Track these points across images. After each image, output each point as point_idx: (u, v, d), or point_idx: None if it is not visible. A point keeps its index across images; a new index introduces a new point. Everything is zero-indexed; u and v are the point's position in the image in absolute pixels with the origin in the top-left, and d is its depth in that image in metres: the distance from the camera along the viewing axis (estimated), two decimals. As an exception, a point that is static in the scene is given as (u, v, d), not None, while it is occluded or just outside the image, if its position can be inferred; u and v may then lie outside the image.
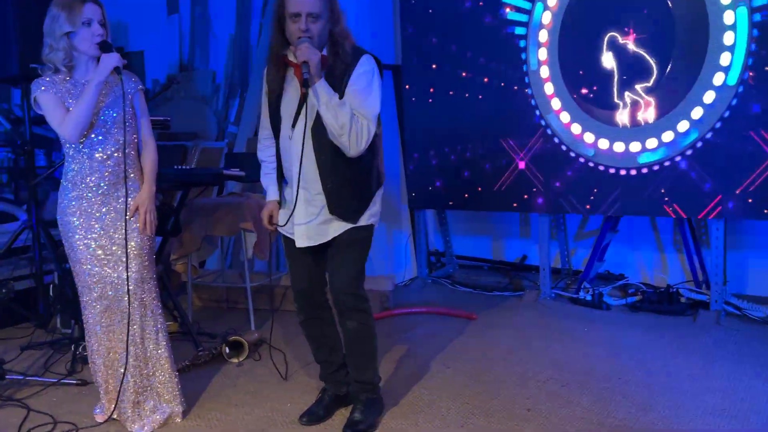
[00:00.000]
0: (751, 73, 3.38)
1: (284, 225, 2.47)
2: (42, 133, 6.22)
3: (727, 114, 3.46)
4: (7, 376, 2.89)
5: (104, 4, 2.45)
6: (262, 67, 5.14)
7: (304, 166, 2.31)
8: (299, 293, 2.55)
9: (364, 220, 2.43)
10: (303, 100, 2.31)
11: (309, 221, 2.40)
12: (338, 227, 2.41)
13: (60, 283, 3.54)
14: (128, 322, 2.45)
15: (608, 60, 3.74)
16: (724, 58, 3.44)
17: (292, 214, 2.41)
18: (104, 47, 2.37)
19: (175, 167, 3.26)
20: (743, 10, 3.35)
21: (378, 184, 2.47)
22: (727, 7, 3.40)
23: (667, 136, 3.63)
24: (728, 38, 3.42)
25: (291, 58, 2.32)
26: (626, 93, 3.72)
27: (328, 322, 2.60)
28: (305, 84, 2.21)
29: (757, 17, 3.34)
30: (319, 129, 2.29)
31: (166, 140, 5.29)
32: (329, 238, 2.42)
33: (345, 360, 2.62)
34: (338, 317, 2.50)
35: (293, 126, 2.34)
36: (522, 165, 4.07)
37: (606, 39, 3.73)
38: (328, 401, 2.64)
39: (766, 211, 3.44)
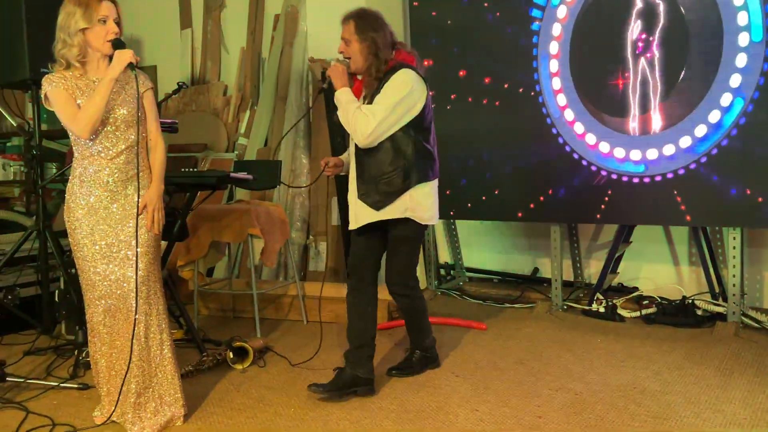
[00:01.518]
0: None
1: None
2: (55, 148, 6.27)
3: (742, 121, 3.40)
4: (8, 378, 2.85)
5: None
6: (272, 80, 5.16)
7: (353, 161, 2.86)
8: (350, 266, 2.95)
9: (394, 213, 2.78)
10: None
11: (355, 209, 2.86)
12: (368, 214, 2.80)
13: (66, 288, 3.51)
14: (134, 320, 2.40)
15: (620, 67, 3.70)
16: (740, 59, 3.39)
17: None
18: (117, 44, 2.37)
19: (182, 170, 3.23)
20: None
21: (407, 183, 2.76)
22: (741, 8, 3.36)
23: (682, 143, 3.57)
24: (743, 39, 3.37)
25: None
26: (639, 100, 3.67)
27: (368, 299, 2.88)
28: (324, 87, 2.86)
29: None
30: None
31: (176, 152, 5.30)
32: (362, 223, 2.83)
33: (368, 343, 2.85)
34: (393, 299, 3.00)
35: None
36: (535, 174, 4.01)
37: (618, 45, 3.70)
38: (345, 379, 2.78)
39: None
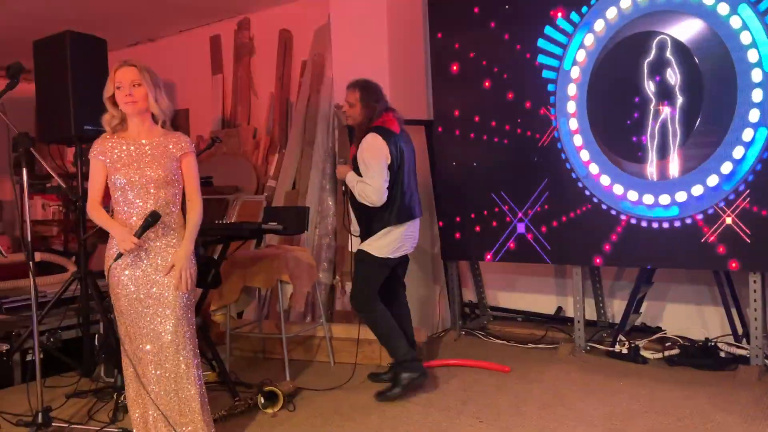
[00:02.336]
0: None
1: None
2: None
3: (759, 167, 3.47)
4: (53, 423, 3.00)
5: (152, 65, 2.59)
6: (300, 124, 5.34)
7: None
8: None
9: (364, 246, 3.48)
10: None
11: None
12: (356, 245, 3.56)
13: (105, 332, 3.67)
14: (175, 376, 2.51)
15: (637, 113, 3.80)
16: (753, 114, 3.47)
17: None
18: (154, 216, 2.48)
19: (216, 222, 3.40)
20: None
21: (378, 227, 3.44)
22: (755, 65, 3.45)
23: (697, 190, 3.64)
24: (756, 95, 3.46)
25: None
26: (656, 146, 3.76)
27: (394, 312, 3.59)
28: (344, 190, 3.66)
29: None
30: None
31: (209, 194, 5.52)
32: (354, 250, 3.59)
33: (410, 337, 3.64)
34: None
35: None
36: (556, 219, 4.11)
37: (633, 93, 3.80)
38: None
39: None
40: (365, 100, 3.44)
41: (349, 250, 3.69)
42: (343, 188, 3.58)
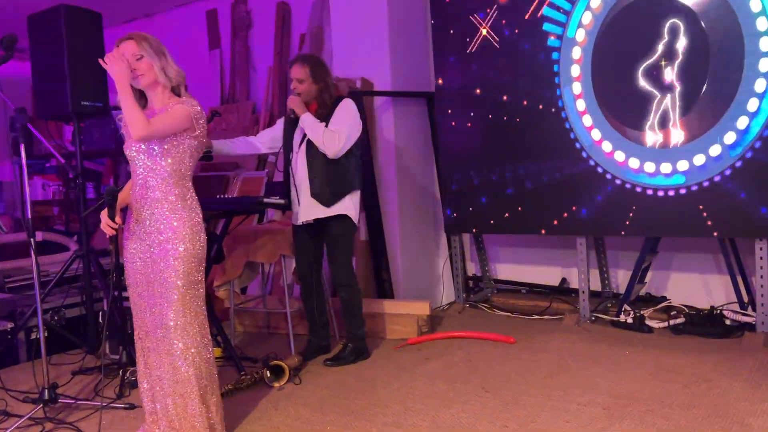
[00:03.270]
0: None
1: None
2: (91, 167, 6.50)
3: (766, 133, 3.43)
4: (59, 400, 3.00)
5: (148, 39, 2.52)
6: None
7: (305, 166, 3.45)
8: (300, 270, 3.62)
9: (338, 210, 3.41)
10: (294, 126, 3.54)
11: (307, 204, 3.45)
12: (320, 210, 3.41)
13: (109, 310, 3.66)
14: (172, 355, 2.49)
15: (641, 80, 3.75)
16: (763, 64, 3.41)
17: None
18: (106, 195, 2.40)
19: (218, 197, 3.37)
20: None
21: (349, 187, 3.44)
22: (760, 14, 3.39)
23: (711, 152, 3.60)
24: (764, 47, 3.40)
25: None
26: (664, 114, 3.72)
27: (319, 294, 3.64)
28: (292, 117, 3.47)
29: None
30: (311, 146, 3.42)
31: (209, 171, 5.48)
32: (314, 216, 3.43)
33: (326, 321, 3.71)
34: (336, 289, 3.59)
35: (300, 144, 3.50)
36: (559, 189, 4.08)
37: (639, 60, 3.74)
38: (312, 349, 3.64)
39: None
40: (316, 75, 3.41)
41: (310, 220, 3.45)
42: (291, 115, 3.45)
